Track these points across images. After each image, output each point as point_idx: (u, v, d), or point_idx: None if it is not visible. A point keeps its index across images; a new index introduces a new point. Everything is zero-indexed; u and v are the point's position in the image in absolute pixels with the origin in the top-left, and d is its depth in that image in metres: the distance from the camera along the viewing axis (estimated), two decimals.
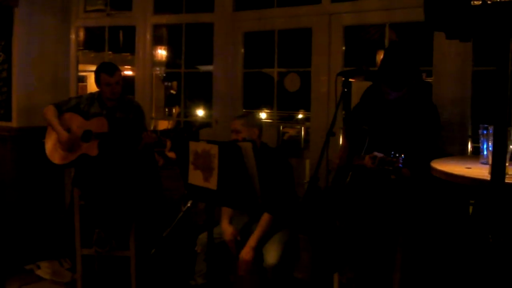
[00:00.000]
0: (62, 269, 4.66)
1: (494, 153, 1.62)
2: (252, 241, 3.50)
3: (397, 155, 2.84)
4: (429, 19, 1.55)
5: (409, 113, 3.19)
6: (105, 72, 4.21)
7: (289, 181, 3.72)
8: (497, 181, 1.62)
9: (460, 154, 3.68)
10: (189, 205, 3.57)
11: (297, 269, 3.84)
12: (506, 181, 1.65)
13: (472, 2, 1.40)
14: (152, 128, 5.44)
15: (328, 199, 3.41)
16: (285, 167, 3.72)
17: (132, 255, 4.14)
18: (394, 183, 2.99)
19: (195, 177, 2.86)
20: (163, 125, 9.84)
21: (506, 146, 1.61)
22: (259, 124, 3.81)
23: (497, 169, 1.63)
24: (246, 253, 3.46)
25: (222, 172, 2.71)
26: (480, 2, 1.38)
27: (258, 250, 3.50)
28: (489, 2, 1.36)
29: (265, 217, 3.56)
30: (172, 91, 11.35)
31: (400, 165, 2.82)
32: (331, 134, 3.10)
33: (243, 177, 2.65)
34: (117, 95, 4.28)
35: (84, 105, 4.33)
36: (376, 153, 2.97)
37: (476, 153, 3.75)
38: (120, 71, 4.32)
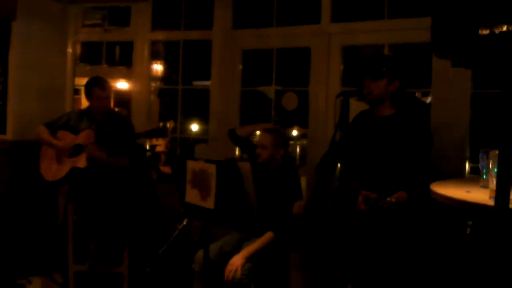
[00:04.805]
0: (54, 285, 4.61)
1: (499, 178, 1.61)
2: (246, 250, 3.47)
3: (388, 198, 2.78)
4: (435, 47, 1.55)
5: (401, 131, 3.15)
6: (98, 85, 4.25)
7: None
8: (501, 207, 1.61)
9: (457, 175, 3.69)
10: (184, 223, 3.55)
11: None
12: (511, 206, 1.65)
13: (479, 31, 1.41)
14: (147, 143, 5.42)
15: (329, 223, 3.39)
16: (296, 190, 3.69)
17: (125, 271, 4.10)
18: (381, 219, 2.93)
19: (192, 196, 2.85)
20: (158, 140, 9.78)
21: (511, 173, 1.60)
22: (287, 143, 3.79)
23: (501, 194, 1.62)
24: (237, 259, 3.41)
25: (219, 192, 2.69)
26: (488, 32, 1.39)
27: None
28: (496, 32, 1.37)
29: (268, 235, 3.53)
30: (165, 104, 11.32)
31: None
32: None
33: (240, 197, 2.63)
34: (107, 109, 4.33)
35: (73, 121, 4.35)
36: (369, 194, 2.88)
37: (473, 173, 3.76)
38: (111, 86, 4.39)
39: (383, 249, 3.13)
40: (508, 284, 1.84)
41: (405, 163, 3.06)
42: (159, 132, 4.34)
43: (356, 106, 3.87)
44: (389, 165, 3.11)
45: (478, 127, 3.84)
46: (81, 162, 4.14)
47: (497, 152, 2.47)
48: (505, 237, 1.65)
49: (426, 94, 4.40)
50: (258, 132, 3.94)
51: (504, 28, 1.37)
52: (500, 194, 1.62)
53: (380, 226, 3.08)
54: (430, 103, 4.09)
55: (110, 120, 4.36)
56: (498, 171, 1.62)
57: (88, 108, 4.38)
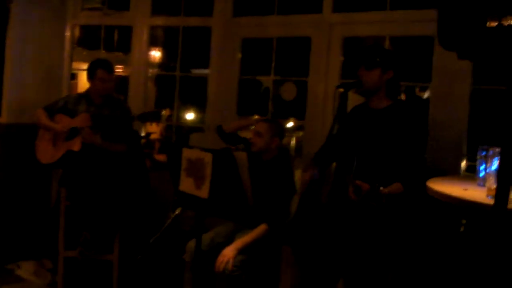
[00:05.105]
0: (43, 270, 4.58)
1: (499, 178, 1.58)
2: (239, 242, 3.42)
3: (381, 188, 2.77)
4: (442, 39, 1.51)
5: (396, 123, 3.12)
6: (104, 68, 4.23)
7: (289, 195, 3.64)
8: (501, 207, 1.58)
9: (454, 172, 3.66)
10: (177, 212, 3.51)
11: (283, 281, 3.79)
12: (509, 207, 1.62)
13: (487, 24, 1.37)
14: (143, 131, 5.40)
15: (325, 214, 3.37)
16: (289, 182, 3.64)
17: (115, 259, 4.08)
18: (375, 210, 2.92)
19: (187, 185, 2.81)
20: (152, 127, 9.77)
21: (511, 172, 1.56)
22: (283, 134, 3.75)
23: (501, 194, 1.59)
24: (229, 250, 3.36)
25: (214, 181, 2.65)
26: (496, 24, 1.35)
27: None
28: (505, 24, 1.33)
29: (262, 227, 3.49)
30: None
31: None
32: None
33: (235, 187, 2.60)
34: (108, 92, 4.29)
35: (71, 104, 4.32)
36: (360, 183, 2.87)
37: (469, 171, 3.74)
38: (115, 70, 4.37)
39: (376, 244, 3.11)
40: (507, 284, 1.81)
41: (400, 155, 3.04)
42: (153, 115, 4.32)
43: (353, 99, 3.83)
44: (383, 157, 3.09)
45: (476, 124, 3.80)
46: (76, 145, 4.13)
47: (496, 149, 2.44)
48: (503, 236, 1.63)
49: (424, 89, 4.37)
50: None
51: None
52: (500, 194, 1.58)
53: (373, 219, 3.06)
54: (426, 98, 4.06)
55: (108, 104, 4.32)
56: (499, 171, 1.60)
57: (87, 91, 4.34)
